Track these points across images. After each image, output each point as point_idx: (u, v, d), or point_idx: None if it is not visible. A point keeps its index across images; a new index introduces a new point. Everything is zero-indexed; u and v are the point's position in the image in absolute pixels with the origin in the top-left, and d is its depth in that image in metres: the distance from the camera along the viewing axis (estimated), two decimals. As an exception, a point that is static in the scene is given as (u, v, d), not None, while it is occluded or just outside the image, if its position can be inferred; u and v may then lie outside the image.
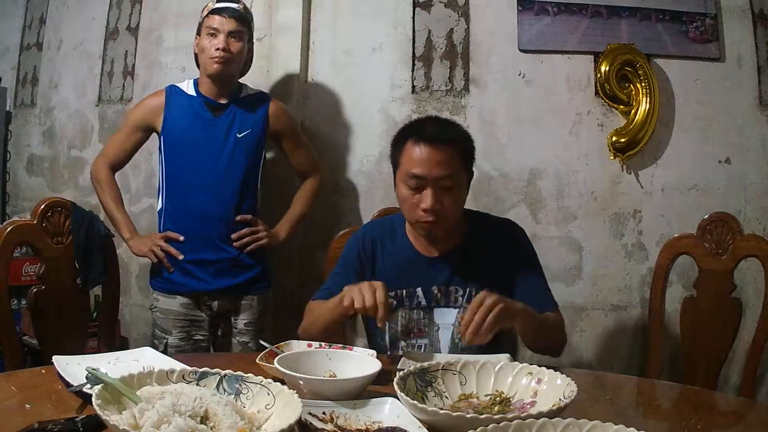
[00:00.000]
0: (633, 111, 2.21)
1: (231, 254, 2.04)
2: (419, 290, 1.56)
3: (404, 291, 1.57)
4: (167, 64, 2.67)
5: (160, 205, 2.10)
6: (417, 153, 1.47)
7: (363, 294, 1.33)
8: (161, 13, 2.73)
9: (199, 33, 2.06)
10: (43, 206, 1.65)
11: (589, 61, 2.27)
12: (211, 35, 2.00)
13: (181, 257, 2.01)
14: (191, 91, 2.07)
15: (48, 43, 3.14)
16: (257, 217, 2.11)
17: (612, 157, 2.25)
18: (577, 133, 2.28)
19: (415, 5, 2.38)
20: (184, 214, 2.04)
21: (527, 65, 2.31)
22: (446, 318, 1.55)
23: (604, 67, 2.22)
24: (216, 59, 1.99)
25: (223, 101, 2.06)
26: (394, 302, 1.53)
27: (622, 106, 2.24)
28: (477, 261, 1.56)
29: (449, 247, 1.58)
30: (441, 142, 1.47)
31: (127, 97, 2.83)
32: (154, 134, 2.12)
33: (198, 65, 2.09)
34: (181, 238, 2.02)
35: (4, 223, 1.65)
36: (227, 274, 2.04)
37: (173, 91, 2.09)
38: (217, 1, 2.04)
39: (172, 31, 2.67)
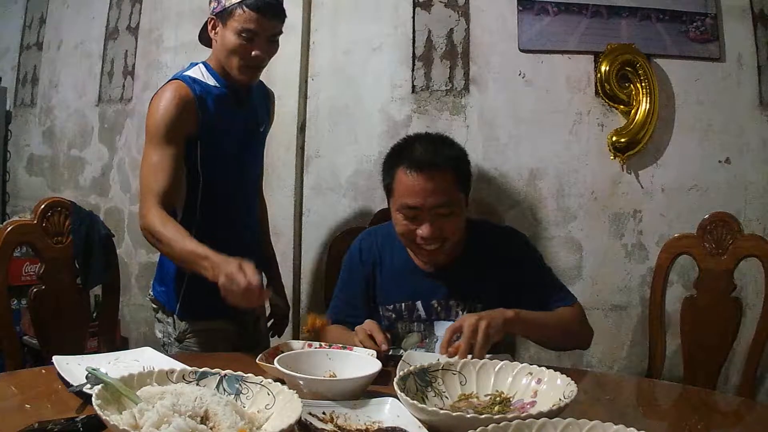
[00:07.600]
0: (633, 111, 2.21)
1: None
2: (419, 304, 1.54)
3: (403, 305, 1.57)
4: (167, 64, 2.67)
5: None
6: (410, 182, 1.41)
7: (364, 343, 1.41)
8: (161, 13, 2.73)
9: (222, 19, 1.62)
10: (43, 206, 1.65)
11: (589, 61, 2.27)
12: (246, 38, 1.62)
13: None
14: (212, 81, 1.68)
15: (48, 43, 3.15)
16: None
17: (612, 157, 2.25)
18: (577, 133, 2.28)
19: (415, 5, 2.38)
20: (222, 226, 1.68)
21: (527, 65, 2.31)
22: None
23: (604, 67, 2.22)
24: (251, 69, 1.67)
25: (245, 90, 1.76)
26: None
27: (622, 106, 2.23)
28: (477, 274, 1.53)
29: (449, 260, 1.54)
30: (434, 168, 1.41)
31: (127, 96, 2.83)
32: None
33: (209, 41, 1.71)
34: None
35: (4, 223, 1.65)
36: None
37: (195, 84, 1.65)
38: None
39: (172, 30, 2.67)
